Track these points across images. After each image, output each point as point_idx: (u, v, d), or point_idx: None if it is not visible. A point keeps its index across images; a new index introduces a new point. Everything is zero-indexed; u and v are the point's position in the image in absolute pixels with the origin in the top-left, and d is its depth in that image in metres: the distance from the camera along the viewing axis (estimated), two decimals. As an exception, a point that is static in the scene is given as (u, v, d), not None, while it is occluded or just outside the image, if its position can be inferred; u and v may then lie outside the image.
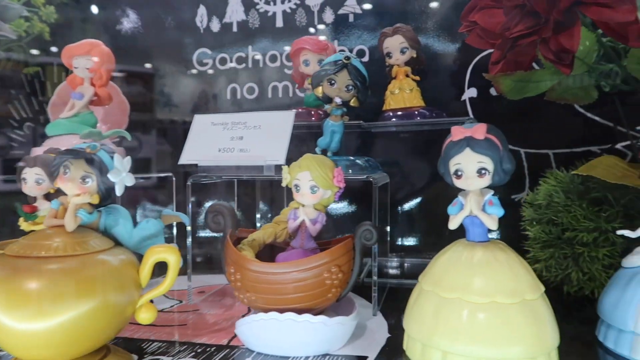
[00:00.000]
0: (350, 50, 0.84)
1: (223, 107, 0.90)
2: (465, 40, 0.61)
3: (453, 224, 0.44)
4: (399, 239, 0.84)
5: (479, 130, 0.42)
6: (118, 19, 0.96)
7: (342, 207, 0.87)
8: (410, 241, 0.84)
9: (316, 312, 0.46)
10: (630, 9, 0.46)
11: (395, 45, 0.71)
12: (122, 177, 0.43)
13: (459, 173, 0.43)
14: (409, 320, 0.44)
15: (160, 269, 0.44)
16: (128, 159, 0.44)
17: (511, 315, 0.39)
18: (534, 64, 0.67)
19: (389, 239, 0.77)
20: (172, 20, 0.93)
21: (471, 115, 0.80)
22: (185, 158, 0.64)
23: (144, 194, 0.92)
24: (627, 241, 0.54)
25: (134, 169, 0.45)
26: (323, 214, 0.51)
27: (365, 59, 0.84)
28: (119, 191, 0.43)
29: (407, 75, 0.72)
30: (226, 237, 0.50)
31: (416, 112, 0.70)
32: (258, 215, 0.86)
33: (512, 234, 0.65)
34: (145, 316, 0.42)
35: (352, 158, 0.63)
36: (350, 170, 0.60)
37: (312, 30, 0.86)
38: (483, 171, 0.42)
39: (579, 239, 0.60)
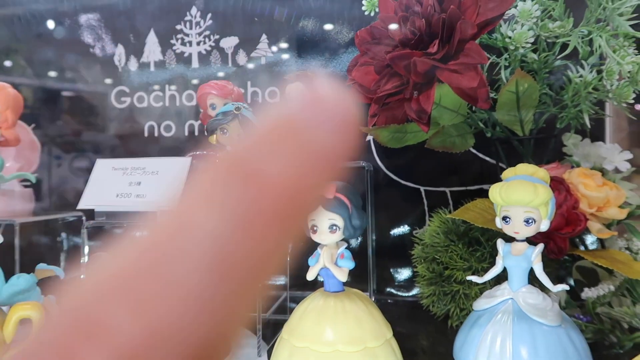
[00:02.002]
0: (263, 92, 0.88)
1: (139, 146, 0.92)
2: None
3: (310, 275, 0.47)
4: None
5: (330, 191, 0.46)
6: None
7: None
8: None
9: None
10: (473, 76, 0.51)
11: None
12: None
13: (315, 228, 0.47)
14: (270, 368, 0.47)
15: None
16: None
17: (351, 363, 0.43)
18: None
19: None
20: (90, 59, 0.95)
21: (375, 155, 0.85)
22: (84, 203, 0.66)
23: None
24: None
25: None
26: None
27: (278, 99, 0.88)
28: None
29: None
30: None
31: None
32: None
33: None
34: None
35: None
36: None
37: (222, 73, 0.89)
38: (334, 227, 0.46)
39: (456, 277, 0.65)
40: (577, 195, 0.60)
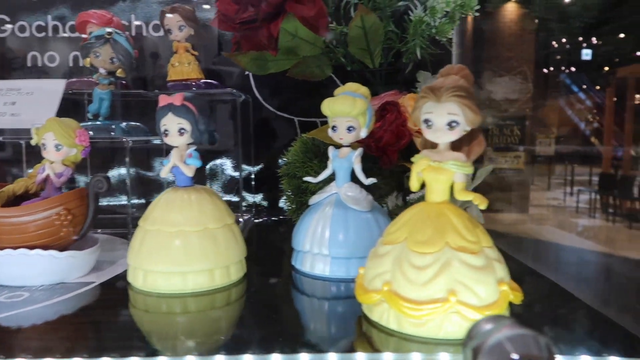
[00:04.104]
0: (147, 25, 0.92)
1: (24, 75, 0.93)
2: (210, 23, 0.72)
3: (163, 173, 0.55)
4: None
5: (177, 99, 0.53)
6: None
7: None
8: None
9: (57, 248, 0.55)
10: (311, 6, 0.60)
11: (174, 23, 0.80)
12: None
13: (166, 132, 0.54)
14: (129, 252, 0.55)
15: None
16: None
17: (193, 239, 0.52)
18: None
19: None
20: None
21: (254, 87, 0.93)
22: (-42, 121, 0.68)
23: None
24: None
25: None
26: (69, 168, 0.59)
27: (161, 33, 0.92)
28: None
29: (187, 51, 0.82)
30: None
31: (193, 83, 0.80)
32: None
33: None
34: None
35: (111, 123, 0.72)
36: (91, 132, 0.68)
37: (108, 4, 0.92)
38: (182, 130, 0.54)
39: (311, 188, 0.75)
40: (407, 115, 0.71)
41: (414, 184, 0.45)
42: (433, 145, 0.45)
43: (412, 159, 0.45)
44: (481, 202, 0.42)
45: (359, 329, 0.44)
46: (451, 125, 0.42)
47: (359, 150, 0.60)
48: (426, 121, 0.43)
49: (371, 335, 0.43)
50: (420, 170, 0.44)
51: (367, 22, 0.71)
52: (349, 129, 0.57)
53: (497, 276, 0.42)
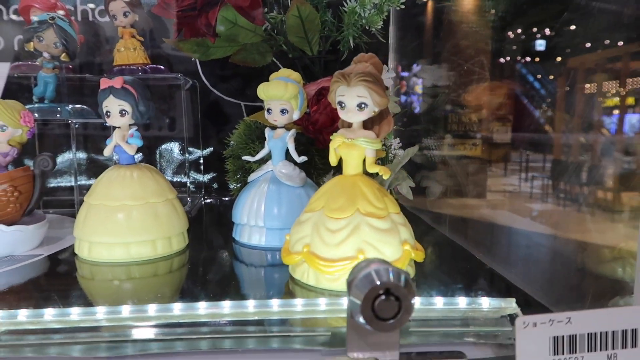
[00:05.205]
0: (93, 10, 0.93)
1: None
2: (152, 10, 0.75)
3: (106, 152, 0.59)
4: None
5: (118, 82, 0.57)
6: None
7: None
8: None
9: (5, 223, 0.58)
10: (246, -2, 0.64)
11: (118, 9, 0.83)
12: None
13: (108, 114, 0.58)
14: (75, 226, 0.59)
15: None
16: None
17: (134, 213, 0.56)
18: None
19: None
20: None
21: (201, 73, 0.96)
22: None
23: None
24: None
25: None
26: (15, 148, 0.62)
27: (107, 19, 0.94)
28: None
29: (132, 36, 0.85)
30: None
31: (139, 68, 0.83)
32: None
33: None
34: None
35: (57, 105, 0.74)
36: (37, 114, 0.71)
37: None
38: (123, 112, 0.57)
39: (253, 168, 0.80)
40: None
41: (332, 159, 0.51)
42: (349, 125, 0.51)
43: (330, 137, 0.51)
44: (385, 173, 0.48)
45: (287, 288, 0.50)
46: (360, 106, 0.47)
47: (292, 131, 0.65)
48: (340, 103, 0.48)
49: (294, 291, 0.48)
50: (337, 146, 0.50)
51: (303, 11, 0.76)
52: (282, 111, 0.63)
53: (401, 238, 0.48)
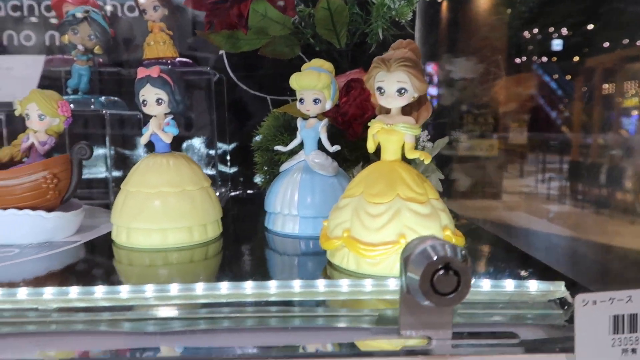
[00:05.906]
0: (122, 5, 0.94)
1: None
2: (184, 3, 0.76)
3: (143, 140, 0.60)
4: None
5: (155, 71, 0.58)
6: None
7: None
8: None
9: (44, 210, 0.59)
10: None
11: (148, 3, 0.84)
12: None
13: (145, 102, 0.59)
14: (112, 213, 0.59)
15: None
16: None
17: (171, 200, 0.57)
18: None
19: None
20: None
21: (228, 68, 0.97)
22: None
23: None
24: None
25: None
26: (53, 137, 0.63)
27: (136, 14, 0.95)
28: None
29: (162, 30, 0.86)
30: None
31: (168, 62, 0.84)
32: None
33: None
34: None
35: (90, 97, 0.75)
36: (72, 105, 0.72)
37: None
38: (160, 100, 0.58)
39: (282, 160, 0.80)
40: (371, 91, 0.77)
41: (370, 145, 0.51)
42: (387, 111, 0.51)
43: (369, 124, 0.51)
44: (426, 158, 0.48)
45: (324, 273, 0.50)
46: (400, 92, 0.47)
47: (325, 121, 0.65)
48: (379, 89, 0.48)
49: (333, 276, 0.48)
50: (375, 132, 0.50)
51: (332, 4, 0.76)
52: (315, 101, 0.63)
53: (441, 223, 0.48)
